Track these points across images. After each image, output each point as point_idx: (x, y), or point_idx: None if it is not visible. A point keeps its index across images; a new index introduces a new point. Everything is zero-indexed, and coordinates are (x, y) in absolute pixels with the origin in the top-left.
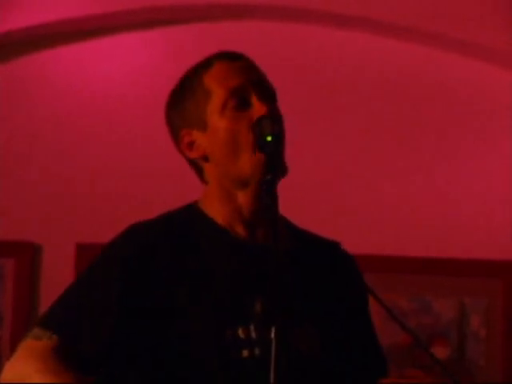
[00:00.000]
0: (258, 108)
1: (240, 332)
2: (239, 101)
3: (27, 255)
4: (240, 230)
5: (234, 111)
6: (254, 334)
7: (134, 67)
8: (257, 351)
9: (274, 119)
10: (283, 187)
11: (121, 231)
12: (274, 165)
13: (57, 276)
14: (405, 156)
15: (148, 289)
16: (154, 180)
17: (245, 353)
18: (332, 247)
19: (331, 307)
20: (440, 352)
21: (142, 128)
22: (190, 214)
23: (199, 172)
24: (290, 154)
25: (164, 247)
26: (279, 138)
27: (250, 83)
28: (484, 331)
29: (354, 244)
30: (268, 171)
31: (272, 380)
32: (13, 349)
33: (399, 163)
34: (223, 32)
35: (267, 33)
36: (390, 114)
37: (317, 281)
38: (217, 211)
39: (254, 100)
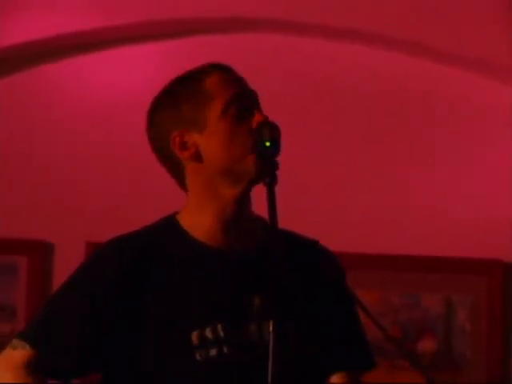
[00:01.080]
0: (258, 118)
1: (207, 332)
2: (240, 106)
3: (39, 253)
4: (215, 239)
5: (235, 116)
6: (221, 334)
7: (135, 77)
8: (225, 349)
9: (274, 127)
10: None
11: (102, 246)
12: (269, 168)
13: (67, 273)
14: (397, 159)
15: (120, 300)
16: (161, 181)
17: (213, 352)
18: (311, 246)
19: (311, 305)
20: (428, 344)
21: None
22: (167, 227)
23: (180, 177)
24: (288, 157)
25: (138, 261)
26: (277, 144)
27: (247, 95)
28: (469, 325)
29: (347, 243)
30: (263, 174)
31: (271, 370)
32: None
33: (391, 166)
34: (218, 44)
35: (263, 45)
36: (388, 120)
37: (296, 280)
38: (193, 223)
39: (254, 110)
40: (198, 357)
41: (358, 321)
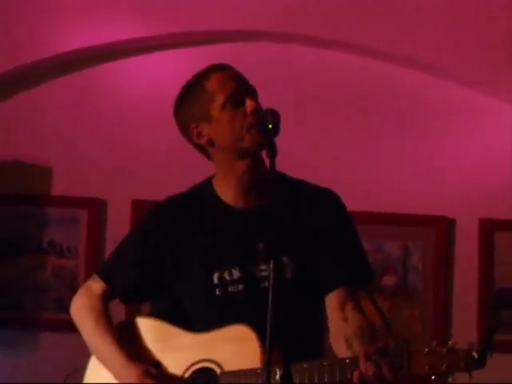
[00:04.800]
0: (249, 104)
1: (226, 274)
2: (235, 99)
3: (95, 207)
4: (236, 201)
5: (232, 107)
6: (235, 275)
7: (167, 76)
8: (240, 287)
9: (275, 113)
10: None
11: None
12: (270, 144)
13: (117, 223)
14: (369, 136)
15: (163, 246)
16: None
17: (229, 288)
18: (323, 193)
19: (316, 239)
20: (389, 280)
21: None
22: (204, 189)
23: (206, 154)
24: (290, 139)
25: (177, 218)
26: (277, 126)
27: (240, 86)
28: (421, 265)
29: None
30: (263, 147)
31: (270, 303)
32: (86, 274)
33: (364, 141)
34: (231, 52)
35: (269, 52)
36: (366, 108)
37: (305, 221)
38: (221, 188)
39: (246, 99)
40: (217, 292)
41: (358, 245)
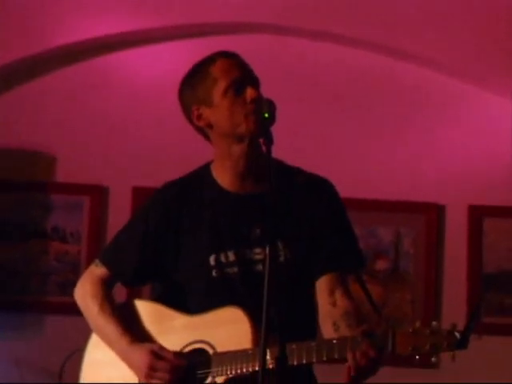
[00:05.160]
0: (249, 93)
1: (221, 257)
2: (237, 87)
3: (97, 194)
4: (234, 186)
5: (233, 94)
6: (232, 258)
7: (167, 66)
8: (235, 269)
9: (271, 103)
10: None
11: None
12: (266, 133)
13: (118, 209)
14: (362, 130)
15: (163, 230)
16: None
17: (225, 270)
18: (318, 182)
19: (310, 224)
20: (382, 264)
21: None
22: (203, 175)
23: (205, 136)
24: (291, 130)
25: (177, 202)
26: (273, 116)
27: (244, 75)
28: (412, 250)
29: None
30: (259, 134)
31: (266, 284)
32: (88, 259)
33: (357, 134)
34: (234, 43)
35: (268, 44)
36: (356, 104)
37: (299, 207)
38: (219, 172)
39: (247, 87)
40: (214, 274)
41: (349, 231)
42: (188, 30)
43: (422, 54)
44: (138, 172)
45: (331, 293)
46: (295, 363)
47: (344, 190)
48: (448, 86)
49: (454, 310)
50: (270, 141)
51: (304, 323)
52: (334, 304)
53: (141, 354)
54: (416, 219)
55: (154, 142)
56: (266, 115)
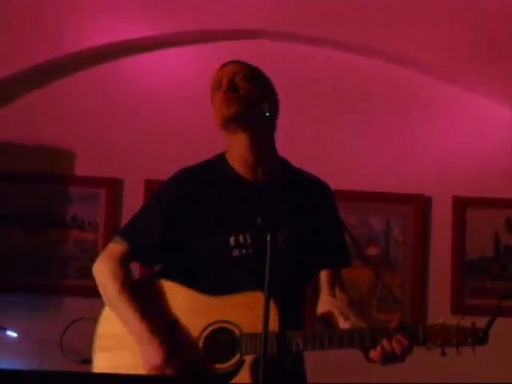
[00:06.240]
0: (223, 82)
1: (240, 238)
2: (218, 86)
3: (113, 186)
4: (247, 174)
5: (216, 88)
6: (248, 240)
7: (179, 69)
8: (250, 251)
9: (272, 103)
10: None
11: (174, 173)
12: (267, 126)
13: (132, 200)
14: (357, 129)
15: (181, 212)
16: (204, 135)
17: (243, 251)
18: (315, 182)
19: (307, 219)
20: (373, 251)
21: (193, 100)
22: (218, 161)
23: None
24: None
25: (194, 185)
26: (274, 114)
27: (226, 75)
28: (401, 238)
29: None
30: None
31: (268, 269)
32: (105, 246)
33: (351, 132)
34: (240, 49)
35: (272, 50)
36: (352, 104)
37: (299, 203)
38: (232, 160)
39: (224, 75)
40: (234, 253)
41: (342, 232)
42: (198, 35)
43: (409, 56)
44: (150, 166)
45: (331, 286)
46: (326, 347)
47: (339, 183)
48: (433, 85)
49: (439, 292)
50: (268, 125)
51: (298, 308)
52: (334, 295)
53: (154, 350)
54: (405, 209)
55: (164, 139)
56: (267, 114)
